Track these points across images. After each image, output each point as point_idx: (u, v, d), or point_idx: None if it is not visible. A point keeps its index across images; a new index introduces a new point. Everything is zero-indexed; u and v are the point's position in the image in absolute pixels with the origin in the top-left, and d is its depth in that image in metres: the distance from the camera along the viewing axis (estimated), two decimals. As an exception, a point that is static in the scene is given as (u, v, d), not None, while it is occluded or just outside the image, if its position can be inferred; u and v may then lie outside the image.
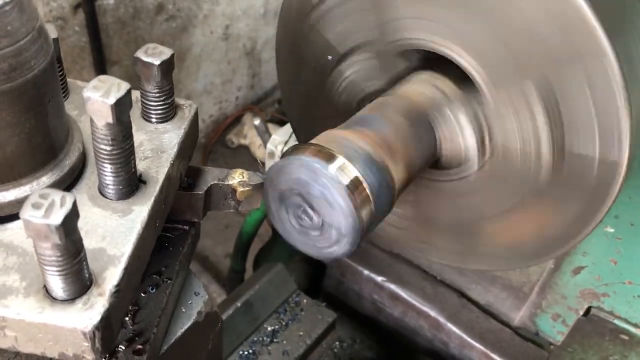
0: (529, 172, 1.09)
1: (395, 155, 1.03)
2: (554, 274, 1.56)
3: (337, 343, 1.76)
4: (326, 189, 0.92)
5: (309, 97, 1.34)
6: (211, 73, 3.79)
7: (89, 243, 0.67)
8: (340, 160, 0.94)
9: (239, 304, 1.67)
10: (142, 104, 0.82)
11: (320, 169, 0.92)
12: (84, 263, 0.61)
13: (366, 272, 1.76)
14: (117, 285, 0.64)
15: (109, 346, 0.65)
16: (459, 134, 1.12)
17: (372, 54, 1.18)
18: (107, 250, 0.67)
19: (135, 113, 0.84)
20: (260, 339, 1.66)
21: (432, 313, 1.70)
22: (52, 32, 0.77)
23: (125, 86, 0.64)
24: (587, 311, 1.58)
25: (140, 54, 0.77)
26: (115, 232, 0.69)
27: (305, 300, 1.75)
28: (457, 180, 1.17)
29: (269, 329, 1.68)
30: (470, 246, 1.27)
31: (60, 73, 0.81)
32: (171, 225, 0.93)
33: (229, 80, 3.91)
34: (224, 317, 1.64)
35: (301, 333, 1.69)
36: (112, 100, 0.63)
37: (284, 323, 1.70)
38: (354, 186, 0.93)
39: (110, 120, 0.64)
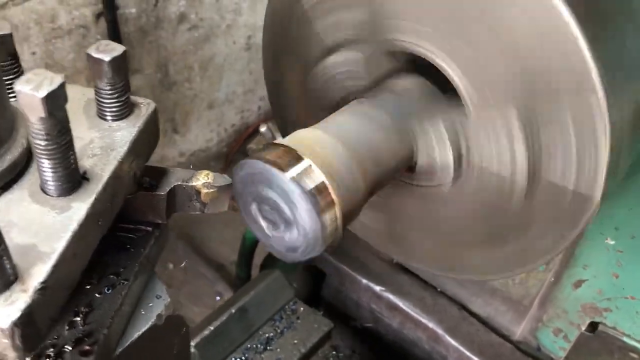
0: (501, 195, 1.07)
1: (367, 159, 1.00)
2: (554, 287, 1.50)
3: (333, 352, 1.74)
4: (288, 191, 0.90)
5: (293, 91, 1.31)
6: (233, 83, 3.81)
7: (21, 239, 0.67)
8: (306, 162, 0.92)
9: (233, 310, 1.66)
10: (96, 102, 0.81)
11: (279, 172, 0.90)
12: (5, 259, 0.60)
13: (365, 281, 1.74)
14: (44, 282, 0.63)
15: (34, 345, 0.64)
16: (436, 148, 1.09)
17: (359, 52, 1.15)
18: (38, 246, 0.66)
19: (91, 111, 0.83)
20: (254, 346, 1.65)
21: (431, 325, 1.66)
22: (4, 29, 0.78)
23: (58, 80, 0.64)
24: (591, 326, 1.52)
25: (91, 51, 0.77)
26: (49, 229, 0.68)
27: (302, 308, 1.73)
28: (429, 187, 1.14)
29: (264, 336, 1.67)
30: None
31: (16, 69, 0.81)
32: (134, 226, 0.92)
33: (251, 90, 3.93)
34: (217, 323, 1.63)
35: (296, 341, 1.66)
36: (42, 93, 0.62)
37: (279, 331, 1.68)
38: (318, 190, 0.91)
39: (42, 114, 0.63)
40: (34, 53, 2.76)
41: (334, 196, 0.92)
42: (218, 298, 3.12)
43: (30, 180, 0.74)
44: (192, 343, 1.59)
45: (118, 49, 0.77)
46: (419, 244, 1.26)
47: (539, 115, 0.97)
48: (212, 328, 1.63)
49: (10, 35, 0.79)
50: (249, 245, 2.12)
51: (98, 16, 2.99)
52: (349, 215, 0.95)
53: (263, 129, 2.07)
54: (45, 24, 2.79)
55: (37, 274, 0.64)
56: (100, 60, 0.76)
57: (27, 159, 0.75)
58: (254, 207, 0.98)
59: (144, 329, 0.89)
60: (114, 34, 3.06)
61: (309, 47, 1.21)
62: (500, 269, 1.15)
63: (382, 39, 1.10)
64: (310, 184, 0.90)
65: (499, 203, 1.08)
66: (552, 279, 1.50)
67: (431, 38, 1.03)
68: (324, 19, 1.16)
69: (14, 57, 0.80)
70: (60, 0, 2.84)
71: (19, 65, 0.82)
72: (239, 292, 1.74)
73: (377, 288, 1.72)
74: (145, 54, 3.28)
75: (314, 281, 1.96)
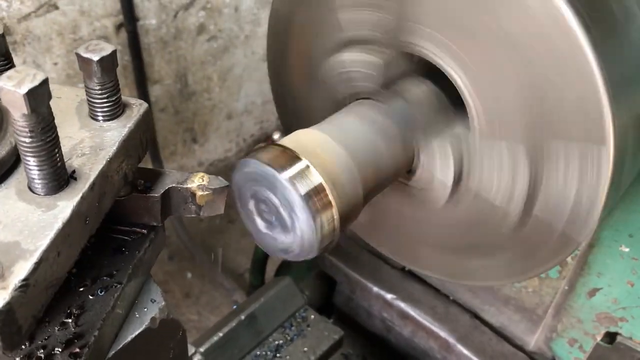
0: (492, 220, 1.07)
1: (367, 162, 0.99)
2: (568, 295, 1.46)
3: (344, 361, 1.72)
4: (285, 191, 0.89)
5: (301, 83, 1.30)
6: (252, 93, 3.82)
7: (4, 236, 0.67)
8: (304, 163, 0.91)
9: (242, 317, 1.65)
10: (87, 102, 0.81)
11: (276, 174, 0.89)
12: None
13: (376, 288, 1.71)
14: (25, 280, 0.63)
15: (14, 342, 0.63)
16: (438, 165, 1.07)
17: (377, 52, 1.11)
18: (22, 244, 0.66)
19: (83, 112, 0.83)
20: (264, 353, 1.63)
21: (442, 334, 1.62)
22: (-4, 29, 0.78)
23: (40, 76, 0.63)
24: (608, 337, 1.48)
25: (81, 50, 0.77)
26: (34, 227, 0.68)
27: (312, 316, 1.71)
28: (423, 191, 1.12)
29: (273, 343, 1.65)
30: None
31: (9, 69, 0.81)
32: (129, 229, 0.91)
33: (270, 101, 3.91)
34: (226, 329, 1.62)
35: (306, 349, 1.64)
36: (24, 89, 0.62)
37: (289, 338, 1.66)
38: (315, 191, 0.89)
39: (24, 110, 0.63)
40: (55, 64, 2.80)
41: (331, 198, 0.91)
42: (235, 307, 3.11)
43: (17, 179, 0.74)
44: (201, 349, 1.58)
45: (107, 48, 0.77)
46: (414, 245, 1.25)
47: (547, 155, 0.96)
48: (221, 334, 1.62)
49: (2, 36, 0.79)
50: (262, 253, 2.11)
51: (119, 27, 3.02)
52: (346, 217, 0.94)
53: (276, 136, 2.07)
54: (67, 35, 2.83)
55: (18, 272, 0.63)
56: (89, 60, 0.76)
57: (16, 157, 0.75)
58: (251, 208, 0.97)
59: (137, 332, 0.88)
60: (134, 45, 3.10)
61: (324, 35, 1.18)
62: (498, 276, 1.13)
63: (401, 42, 1.08)
64: (308, 185, 0.89)
65: (489, 225, 1.08)
66: (566, 287, 1.46)
67: (449, 49, 1.00)
68: (347, 12, 1.13)
69: (7, 57, 0.81)
70: (82, 11, 2.88)
71: (13, 66, 0.82)
72: (249, 298, 1.73)
73: (389, 296, 1.69)
74: (164, 64, 3.31)
75: (325, 289, 1.94)
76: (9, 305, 0.61)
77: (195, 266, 3.24)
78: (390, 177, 1.05)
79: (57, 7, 2.73)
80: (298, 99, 1.31)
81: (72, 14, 2.81)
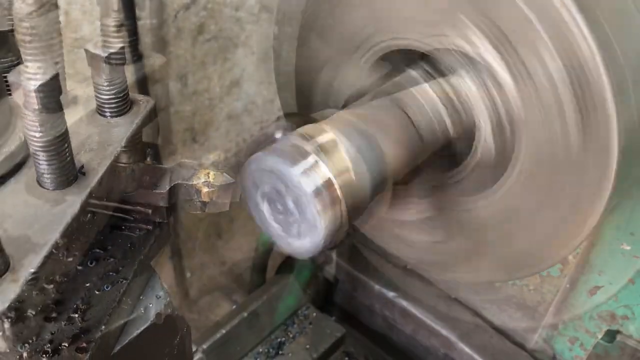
0: None
1: (375, 158, 0.99)
2: (569, 293, 1.47)
3: (346, 359, 1.72)
4: (294, 186, 0.90)
5: (310, 78, 1.30)
6: (252, 93, 3.82)
7: (15, 230, 0.67)
8: (313, 158, 0.91)
9: (245, 314, 1.65)
10: (95, 98, 0.82)
11: (286, 168, 0.89)
12: (-4, 249, 0.60)
13: (377, 287, 1.72)
14: (35, 273, 0.63)
15: (24, 335, 0.64)
16: None
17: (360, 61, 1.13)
18: (32, 238, 0.66)
19: (91, 108, 0.84)
20: (266, 350, 1.64)
21: (444, 332, 1.63)
22: (3, 26, 0.79)
23: (51, 72, 0.64)
24: (608, 335, 1.48)
25: (90, 46, 0.77)
26: (43, 221, 0.68)
27: (314, 314, 1.72)
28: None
29: (276, 340, 1.66)
30: None
31: (18, 63, 0.82)
32: (134, 225, 0.92)
33: (270, 101, 3.93)
34: (228, 326, 1.63)
35: (308, 346, 1.65)
36: (35, 84, 0.63)
37: (291, 335, 1.67)
38: (324, 186, 0.90)
39: (35, 106, 0.64)
40: (56, 63, 2.79)
41: (339, 193, 0.91)
42: (235, 307, 3.11)
43: (27, 173, 0.74)
44: (204, 346, 1.59)
45: (116, 45, 0.78)
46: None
47: None
48: (223, 332, 1.62)
49: (11, 32, 0.79)
50: (263, 252, 2.11)
51: (119, 27, 3.02)
52: (354, 212, 0.94)
53: (278, 135, 2.07)
54: (69, 34, 2.83)
55: (29, 265, 0.64)
56: (97, 56, 0.77)
57: (25, 152, 0.75)
58: (260, 203, 0.97)
59: (142, 328, 0.89)
60: (135, 44, 3.10)
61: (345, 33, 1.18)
62: (508, 270, 1.14)
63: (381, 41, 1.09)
64: (316, 181, 0.89)
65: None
66: (568, 285, 1.46)
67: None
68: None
69: (16, 53, 0.81)
70: (84, 11, 2.88)
71: (21, 62, 0.83)
72: (251, 296, 1.73)
73: (390, 294, 1.70)
74: (165, 64, 3.31)
75: (327, 287, 1.95)
76: (19, 298, 0.61)
77: (195, 265, 3.24)
78: (396, 173, 1.05)
79: (57, 7, 2.73)
80: (304, 94, 1.32)
81: (74, 13, 2.81)
